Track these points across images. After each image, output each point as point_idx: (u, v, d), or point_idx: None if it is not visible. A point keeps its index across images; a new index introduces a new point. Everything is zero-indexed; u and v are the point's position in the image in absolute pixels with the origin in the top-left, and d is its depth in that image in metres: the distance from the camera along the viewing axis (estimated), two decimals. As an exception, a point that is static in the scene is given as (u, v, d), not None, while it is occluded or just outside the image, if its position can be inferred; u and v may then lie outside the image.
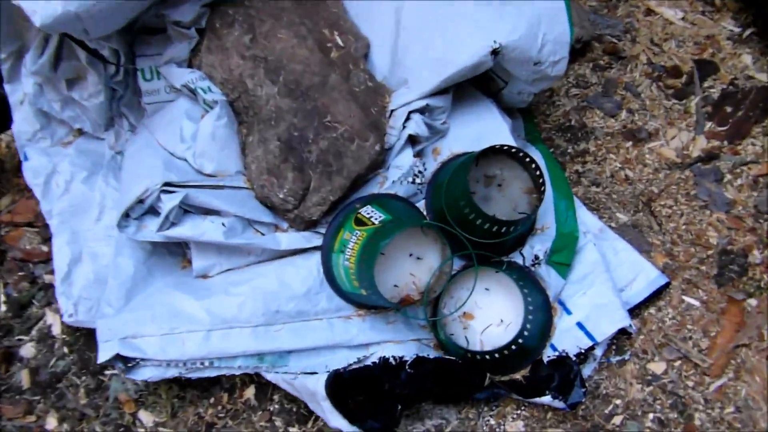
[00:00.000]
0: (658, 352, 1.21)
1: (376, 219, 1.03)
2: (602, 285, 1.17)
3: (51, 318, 1.28)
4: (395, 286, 1.07)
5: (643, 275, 1.22)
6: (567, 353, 1.13)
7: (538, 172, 1.09)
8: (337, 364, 1.08)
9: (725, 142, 1.41)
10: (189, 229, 1.07)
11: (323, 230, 1.13)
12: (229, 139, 1.14)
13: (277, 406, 1.19)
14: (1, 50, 1.17)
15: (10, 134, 1.28)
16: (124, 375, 1.08)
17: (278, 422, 1.17)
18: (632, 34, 1.57)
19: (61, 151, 1.26)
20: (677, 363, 1.20)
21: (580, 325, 1.16)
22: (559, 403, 1.09)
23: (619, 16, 1.60)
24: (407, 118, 1.14)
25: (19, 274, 1.32)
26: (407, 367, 1.08)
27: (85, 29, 0.99)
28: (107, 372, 1.22)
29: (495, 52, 1.06)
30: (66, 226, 1.21)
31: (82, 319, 1.17)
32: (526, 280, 1.14)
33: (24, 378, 1.23)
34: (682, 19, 1.58)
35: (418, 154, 1.17)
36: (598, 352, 1.17)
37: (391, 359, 1.08)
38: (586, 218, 1.25)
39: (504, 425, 1.15)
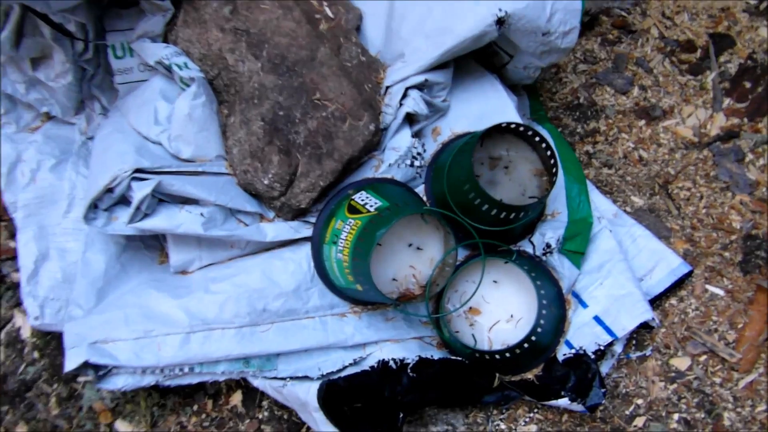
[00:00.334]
0: (682, 347, 1.19)
1: (371, 206, 1.01)
2: (620, 275, 1.15)
3: (20, 320, 1.24)
4: (394, 279, 1.06)
5: (663, 263, 1.21)
6: (584, 350, 1.11)
7: (549, 152, 1.08)
8: (330, 366, 1.07)
9: (745, 120, 1.41)
10: (164, 220, 1.04)
11: (313, 219, 1.11)
12: (207, 121, 1.11)
13: (266, 414, 1.17)
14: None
15: (-30, 120, 1.27)
16: (94, 385, 1.05)
17: (267, 431, 1.15)
18: (642, 7, 1.58)
19: (28, 137, 1.23)
20: (702, 358, 1.19)
21: (597, 319, 1.14)
22: (576, 406, 1.07)
23: (627, -13, 1.64)
24: (404, 95, 1.13)
25: (-16, 272, 1.32)
26: (409, 370, 1.06)
27: (46, -1, 0.95)
28: (80, 379, 1.19)
29: (500, 22, 1.05)
30: (32, 220, 1.18)
31: (49, 322, 1.14)
32: (538, 270, 1.13)
33: (-10, 387, 1.22)
34: (695, -10, 1.63)
35: (417, 135, 1.17)
36: (617, 348, 1.15)
37: (391, 363, 1.06)
38: (599, 202, 1.25)
39: (515, 430, 1.14)
